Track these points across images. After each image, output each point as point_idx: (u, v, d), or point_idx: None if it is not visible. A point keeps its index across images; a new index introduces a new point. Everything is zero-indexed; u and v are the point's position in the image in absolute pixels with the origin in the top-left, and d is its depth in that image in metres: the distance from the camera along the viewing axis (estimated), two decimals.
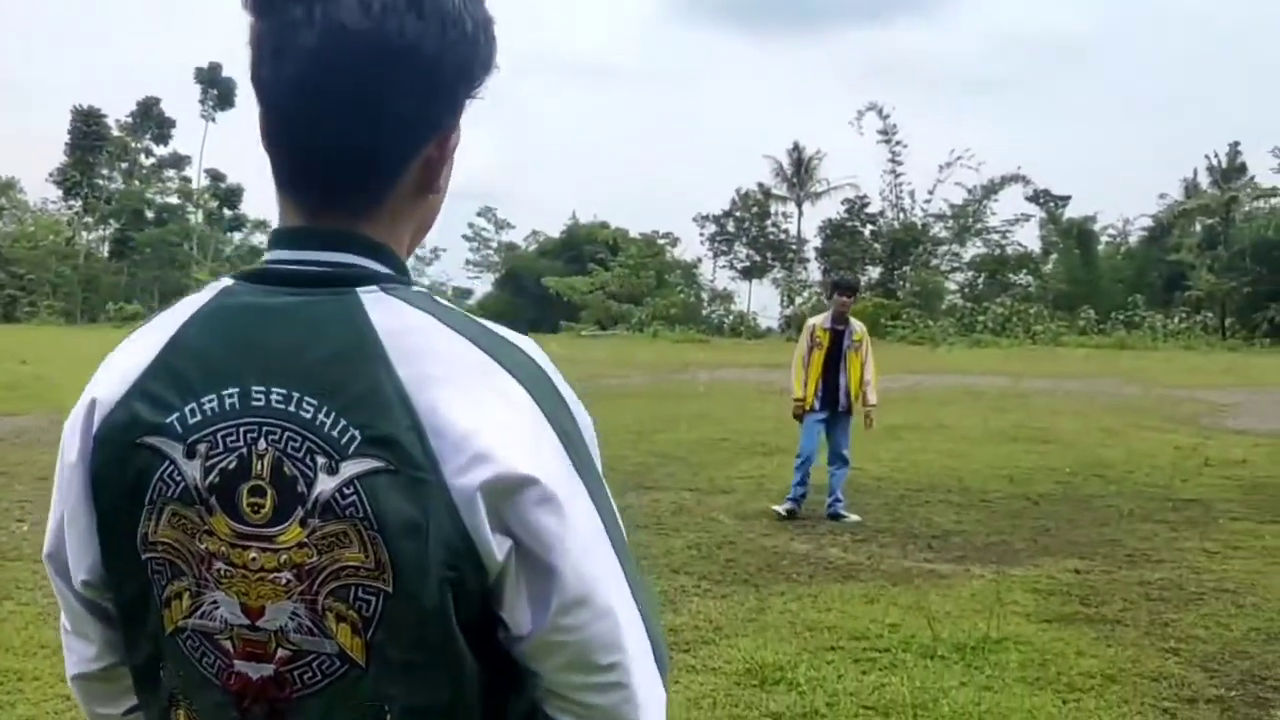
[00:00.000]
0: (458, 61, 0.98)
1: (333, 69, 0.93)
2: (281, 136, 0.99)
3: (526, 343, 1.00)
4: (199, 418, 0.94)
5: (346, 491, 0.90)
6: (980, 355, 37.64)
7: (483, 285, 75.43)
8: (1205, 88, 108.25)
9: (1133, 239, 62.04)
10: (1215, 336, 47.26)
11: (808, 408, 8.74)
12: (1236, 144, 57.72)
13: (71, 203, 67.56)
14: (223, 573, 0.94)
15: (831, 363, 8.70)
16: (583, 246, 65.84)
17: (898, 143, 60.65)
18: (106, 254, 68.85)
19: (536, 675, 0.97)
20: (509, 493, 0.91)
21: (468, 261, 74.78)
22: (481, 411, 0.92)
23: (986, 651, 5.26)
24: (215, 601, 0.95)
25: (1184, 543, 7.91)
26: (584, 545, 0.94)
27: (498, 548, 0.91)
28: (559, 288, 60.25)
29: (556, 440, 0.95)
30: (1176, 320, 48.37)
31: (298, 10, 0.92)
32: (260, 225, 73.10)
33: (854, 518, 8.58)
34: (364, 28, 0.92)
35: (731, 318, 62.16)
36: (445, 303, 1.00)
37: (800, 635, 5.53)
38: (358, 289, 0.96)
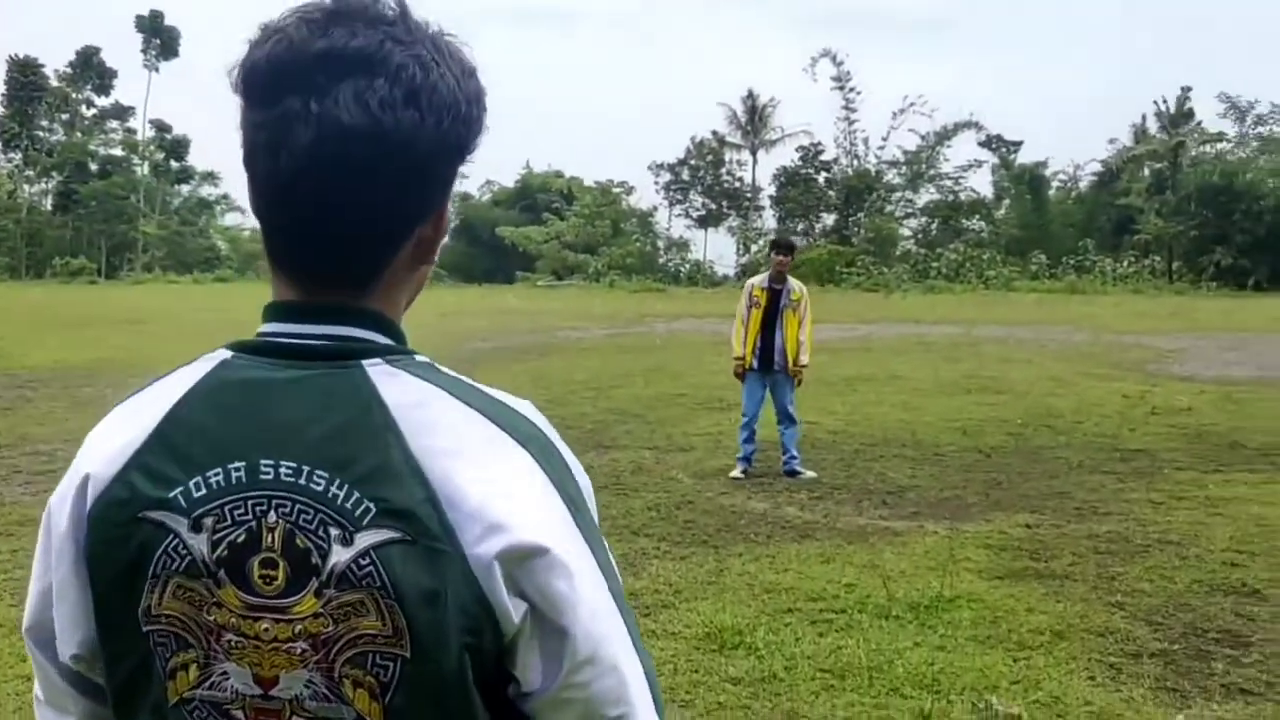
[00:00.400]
0: (452, 146, 0.99)
1: (330, 165, 0.93)
2: (275, 222, 0.99)
3: (528, 409, 1.03)
4: (204, 491, 0.95)
5: (363, 562, 0.92)
6: (934, 302, 37.99)
7: None
8: (1155, 33, 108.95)
9: (1083, 184, 62.61)
10: (1163, 280, 47.94)
11: (746, 366, 8.83)
12: (1186, 89, 58.32)
13: (11, 155, 65.78)
14: (233, 644, 0.96)
15: (769, 321, 8.77)
16: (537, 196, 65.32)
17: (851, 89, 60.58)
18: (50, 208, 67.20)
19: None
20: (523, 560, 0.94)
21: None
22: (494, 483, 0.95)
23: (940, 610, 5.39)
24: (225, 672, 0.96)
25: (1130, 494, 8.11)
26: (592, 607, 0.98)
27: (514, 611, 0.94)
28: (514, 238, 59.80)
29: (564, 507, 0.98)
30: (1125, 264, 48.99)
31: (295, 104, 0.93)
32: (209, 177, 71.75)
33: (810, 474, 8.70)
34: (361, 125, 0.92)
35: (688, 267, 62.09)
36: (449, 373, 1.02)
37: (758, 597, 5.63)
38: (362, 361, 0.97)
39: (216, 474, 0.95)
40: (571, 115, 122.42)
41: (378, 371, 0.97)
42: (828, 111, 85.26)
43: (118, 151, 69.43)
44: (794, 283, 8.90)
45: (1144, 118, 60.48)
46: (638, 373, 16.21)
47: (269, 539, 0.94)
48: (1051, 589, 5.81)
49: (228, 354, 1.00)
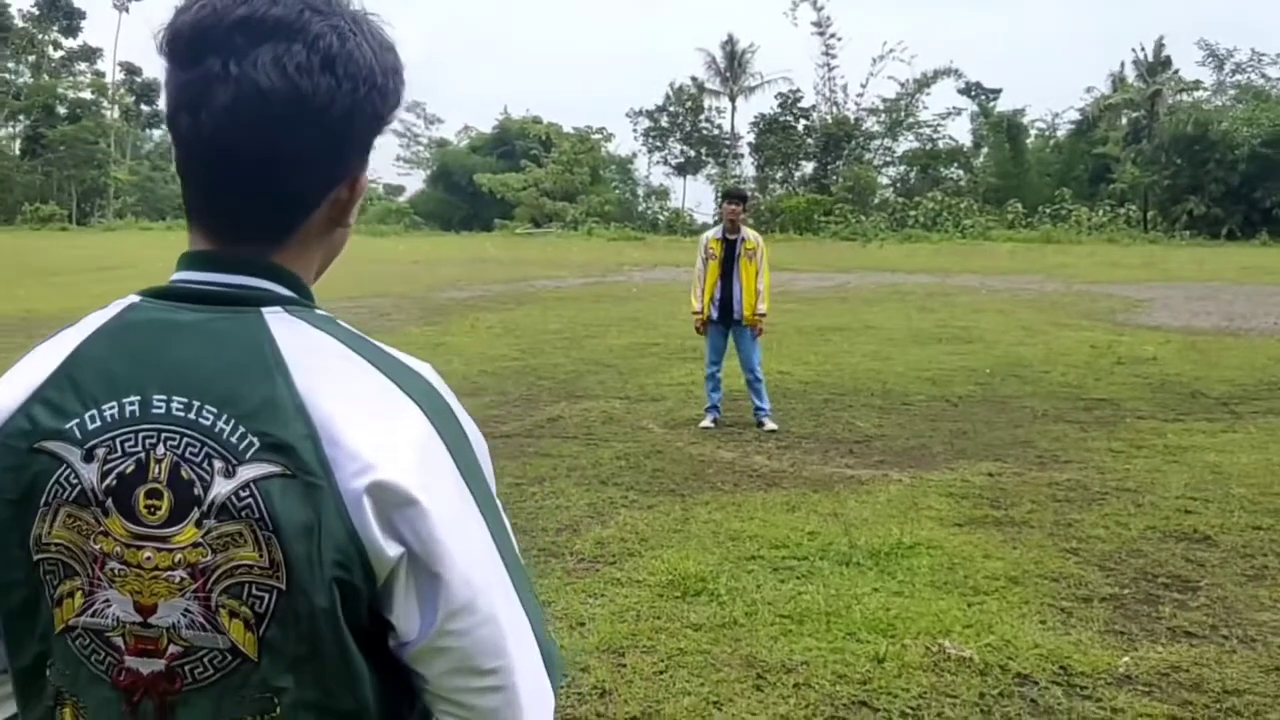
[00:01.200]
0: (368, 113, 1.04)
1: (247, 125, 0.98)
2: (195, 177, 1.04)
3: (425, 369, 1.07)
4: (98, 424, 0.99)
5: (243, 494, 0.97)
6: (910, 251, 38.12)
7: (414, 182, 74.19)
8: None
9: (1061, 133, 62.67)
10: (1138, 229, 48.21)
11: (705, 318, 8.88)
12: (1162, 38, 58.21)
13: None
14: (116, 572, 0.99)
15: (726, 272, 8.80)
16: (515, 142, 64.78)
17: (832, 35, 60.33)
18: (18, 152, 66.14)
19: (424, 679, 1.04)
20: (397, 501, 0.97)
21: (398, 158, 73.26)
22: (376, 426, 0.98)
23: (899, 557, 5.51)
24: (107, 600, 1.00)
25: (1092, 443, 8.26)
26: (471, 556, 1.01)
27: (388, 550, 0.97)
28: (492, 185, 59.40)
29: (449, 459, 1.02)
30: (1101, 214, 49.20)
31: (215, 65, 0.97)
32: None
33: (771, 426, 8.77)
34: (278, 87, 0.97)
35: (667, 215, 61.92)
36: (348, 327, 1.07)
37: (723, 545, 5.74)
38: (261, 309, 1.02)
39: (111, 407, 0.99)
40: (549, 59, 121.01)
41: (275, 318, 1.02)
42: (807, 58, 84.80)
43: (87, 95, 68.27)
44: (748, 232, 8.93)
45: (1122, 65, 60.51)
46: (612, 322, 16.26)
47: (156, 470, 0.98)
48: (1009, 535, 5.94)
49: (136, 299, 1.05)
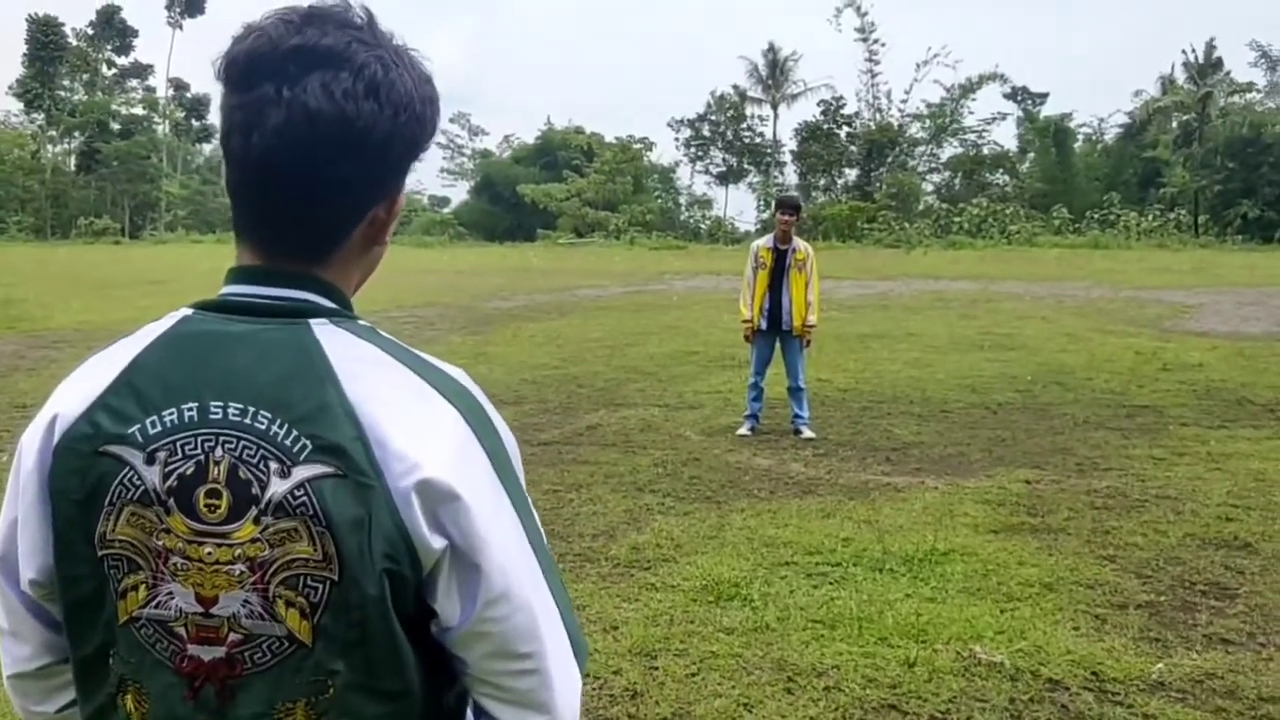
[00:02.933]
0: (407, 139, 1.13)
1: (296, 145, 1.07)
2: (245, 195, 1.13)
3: (460, 374, 1.15)
4: (159, 429, 1.07)
5: (298, 493, 1.05)
6: (955, 257, 37.82)
7: (458, 194, 74.79)
8: None
9: (1109, 136, 61.92)
10: (1189, 234, 47.47)
11: (755, 328, 8.93)
12: (1213, 39, 57.35)
13: (34, 115, 66.16)
14: (179, 566, 1.07)
15: (775, 282, 8.83)
16: (558, 153, 65.11)
17: (875, 41, 60.08)
18: (73, 168, 67.63)
19: (464, 662, 1.13)
20: (441, 498, 1.05)
21: (442, 170, 73.91)
22: (419, 428, 1.07)
23: (933, 563, 5.52)
24: (171, 592, 1.08)
25: (1133, 450, 8.19)
26: (507, 548, 1.10)
27: (434, 543, 1.06)
28: (535, 195, 59.77)
29: (484, 456, 1.10)
30: (1150, 218, 48.50)
31: (269, 90, 1.06)
32: None
33: (809, 434, 8.79)
34: (326, 111, 1.06)
35: (709, 223, 61.93)
36: (387, 336, 1.15)
37: (757, 551, 5.78)
38: (309, 319, 1.10)
39: (171, 413, 1.07)
40: (591, 69, 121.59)
41: (322, 328, 1.10)
42: (850, 64, 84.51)
43: (139, 111, 69.69)
44: (799, 242, 8.95)
45: (1172, 67, 59.67)
46: (653, 331, 16.33)
47: (215, 471, 1.06)
48: (1045, 543, 5.92)
49: (189, 311, 1.14)
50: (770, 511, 6.57)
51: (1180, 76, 57.97)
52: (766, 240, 9.06)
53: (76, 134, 66.64)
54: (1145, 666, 4.31)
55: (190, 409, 1.07)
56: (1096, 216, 49.05)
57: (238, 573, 1.06)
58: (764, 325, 8.91)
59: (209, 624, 1.08)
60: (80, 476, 1.09)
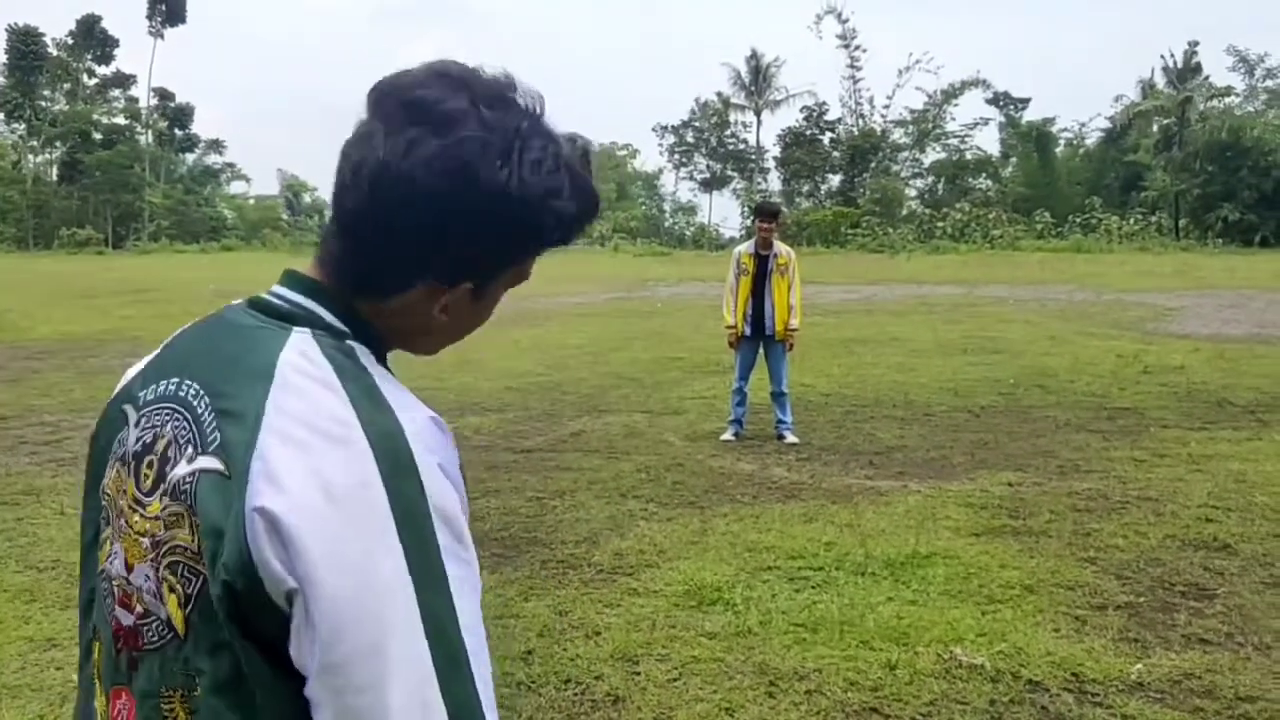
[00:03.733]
0: (467, 233, 1.06)
1: (361, 183, 1.06)
2: (333, 214, 1.13)
3: (416, 419, 1.04)
4: (151, 396, 1.13)
5: (187, 480, 1.03)
6: (938, 262, 37.95)
7: None
8: None
9: (1090, 141, 62.29)
10: (1170, 238, 47.75)
11: (739, 334, 8.95)
12: (1194, 44, 57.67)
13: (15, 126, 65.82)
14: (122, 528, 1.11)
15: (758, 288, 8.88)
16: None
17: (857, 47, 60.35)
18: (55, 178, 67.31)
19: None
20: (282, 535, 0.95)
21: None
22: (306, 451, 0.99)
23: (915, 567, 5.54)
24: (116, 552, 1.12)
25: (1114, 452, 8.23)
26: (357, 609, 0.95)
27: (280, 578, 0.95)
28: None
29: (384, 510, 0.97)
30: (1132, 222, 48.76)
31: (374, 125, 1.06)
32: (214, 145, 71.77)
33: (792, 439, 8.82)
34: (393, 165, 1.04)
35: (693, 229, 62.04)
36: (369, 367, 1.09)
37: (740, 556, 5.78)
38: (295, 328, 1.09)
39: (160, 384, 1.13)
40: (574, 74, 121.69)
41: (298, 336, 1.08)
42: (833, 71, 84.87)
43: (121, 120, 69.43)
44: (780, 247, 8.99)
45: (1152, 72, 60.02)
46: (637, 337, 16.34)
47: (159, 444, 1.08)
48: (1026, 545, 5.95)
49: (236, 303, 1.18)
50: (753, 516, 6.58)
51: (1160, 81, 58.40)
52: (748, 246, 9.10)
53: (58, 144, 66.32)
54: (1125, 667, 4.33)
55: (171, 383, 1.11)
56: (1079, 220, 49.31)
57: (145, 545, 1.07)
58: (748, 331, 8.94)
59: (129, 589, 1.09)
60: (109, 429, 1.18)
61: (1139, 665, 4.36)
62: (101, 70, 69.02)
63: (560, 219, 1.09)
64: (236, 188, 76.89)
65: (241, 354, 1.09)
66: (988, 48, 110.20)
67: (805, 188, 62.31)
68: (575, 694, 4.13)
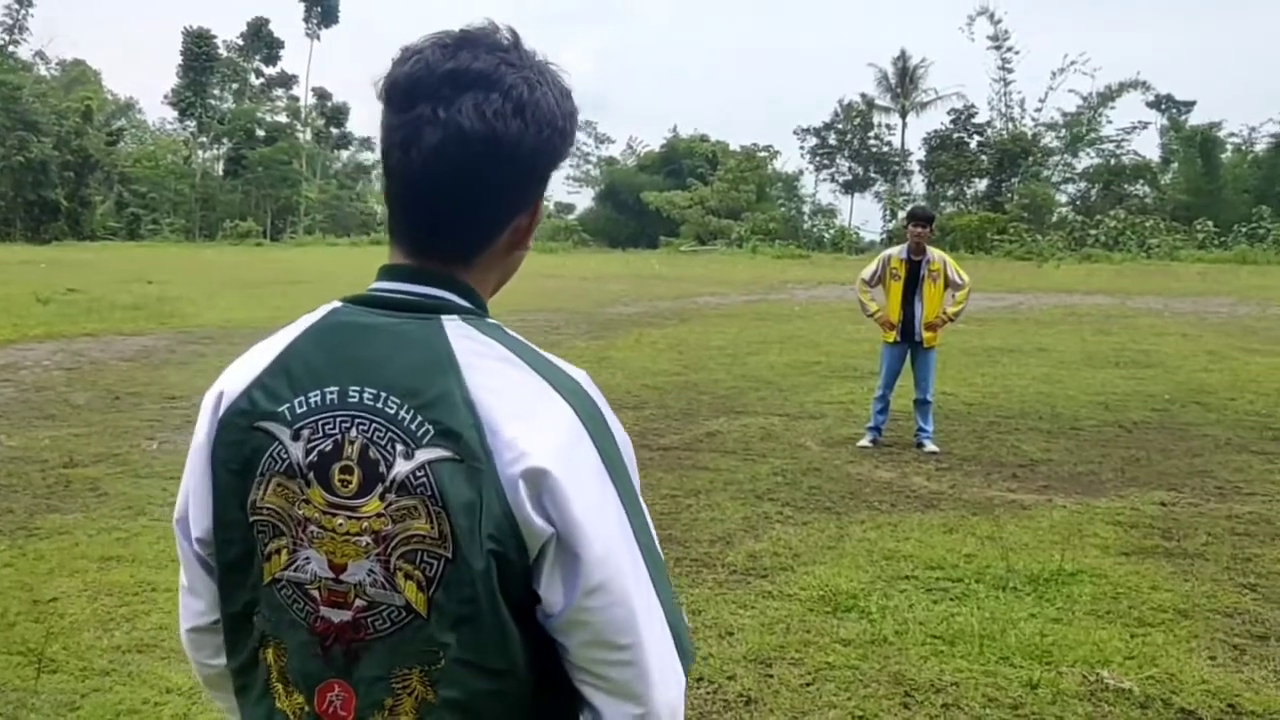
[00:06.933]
0: (549, 152, 1.22)
1: (451, 161, 1.17)
2: (403, 206, 1.23)
3: (581, 375, 1.22)
4: (305, 408, 1.19)
5: (419, 474, 1.13)
6: (1089, 271, 36.55)
7: (583, 200, 75.58)
8: None
9: (1260, 146, 58.87)
10: None
11: (896, 330, 8.76)
12: None
13: (187, 123, 69.44)
14: (315, 534, 1.18)
15: (909, 294, 8.69)
16: (682, 161, 65.32)
17: (1009, 49, 58.59)
18: (221, 173, 70.82)
19: (565, 649, 1.18)
20: (545, 486, 1.11)
21: (569, 177, 74.83)
22: (530, 419, 1.14)
23: (1059, 584, 5.38)
24: (307, 558, 1.19)
25: (1278, 475, 7.81)
26: (607, 542, 1.15)
27: (539, 529, 1.12)
28: (658, 203, 60.07)
29: (595, 453, 1.16)
30: None
31: (426, 110, 1.16)
32: (366, 142, 74.36)
33: (932, 448, 8.63)
34: (478, 130, 1.15)
35: (832, 232, 61.25)
36: (513, 334, 1.23)
37: (876, 563, 5.72)
38: (441, 316, 1.19)
39: (315, 395, 1.18)
40: (718, 77, 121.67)
41: (452, 324, 1.19)
42: (982, 72, 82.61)
43: (282, 119, 72.59)
44: (934, 252, 8.76)
45: None
46: (774, 340, 16.25)
47: (349, 450, 1.16)
48: (1180, 568, 5.70)
49: (339, 304, 1.25)
50: (890, 524, 6.49)
51: None
52: (899, 250, 8.90)
53: (225, 140, 69.70)
54: None
55: (331, 392, 1.17)
56: (1244, 230, 46.73)
57: (364, 544, 1.15)
58: (898, 337, 8.78)
59: (339, 589, 1.18)
60: (237, 448, 1.21)
61: None
62: (268, 70, 72.34)
63: (574, 127, 1.25)
64: None
65: (402, 353, 1.17)
66: (1149, 50, 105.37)
67: (950, 192, 60.82)
68: (708, 693, 4.15)
